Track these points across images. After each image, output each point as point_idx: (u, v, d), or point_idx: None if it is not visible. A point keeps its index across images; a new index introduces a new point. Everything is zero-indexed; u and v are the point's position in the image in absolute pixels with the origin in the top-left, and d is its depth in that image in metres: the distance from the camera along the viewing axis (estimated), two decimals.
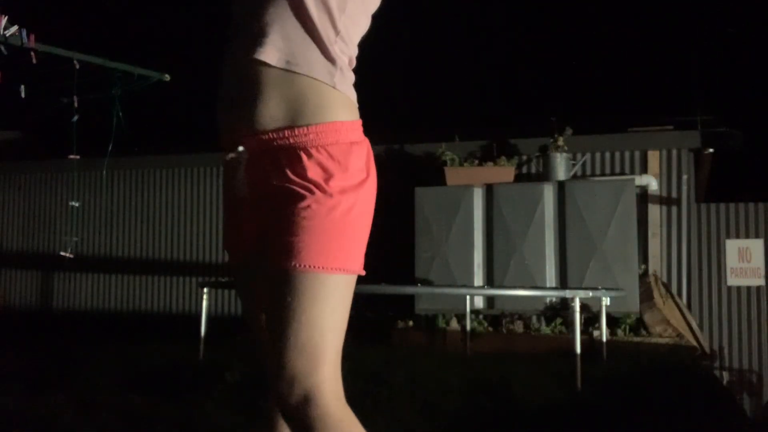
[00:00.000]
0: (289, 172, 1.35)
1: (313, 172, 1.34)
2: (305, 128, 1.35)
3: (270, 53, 1.35)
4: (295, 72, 1.36)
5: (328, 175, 1.34)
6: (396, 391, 3.57)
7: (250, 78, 1.38)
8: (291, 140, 1.36)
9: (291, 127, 1.35)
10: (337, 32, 1.38)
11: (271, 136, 1.37)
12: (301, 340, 1.29)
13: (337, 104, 1.38)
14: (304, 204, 1.33)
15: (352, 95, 1.43)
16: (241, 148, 1.41)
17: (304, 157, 1.35)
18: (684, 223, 6.43)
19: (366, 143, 1.42)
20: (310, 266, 1.31)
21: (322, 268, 1.32)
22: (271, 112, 1.37)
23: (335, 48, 1.38)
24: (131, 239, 8.23)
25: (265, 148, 1.38)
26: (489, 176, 6.13)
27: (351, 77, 1.43)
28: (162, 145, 8.43)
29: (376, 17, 1.53)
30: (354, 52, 1.44)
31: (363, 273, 1.40)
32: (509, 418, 3.20)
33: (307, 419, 1.28)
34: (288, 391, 1.28)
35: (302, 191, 1.34)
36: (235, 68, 1.42)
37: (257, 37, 1.36)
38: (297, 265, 1.31)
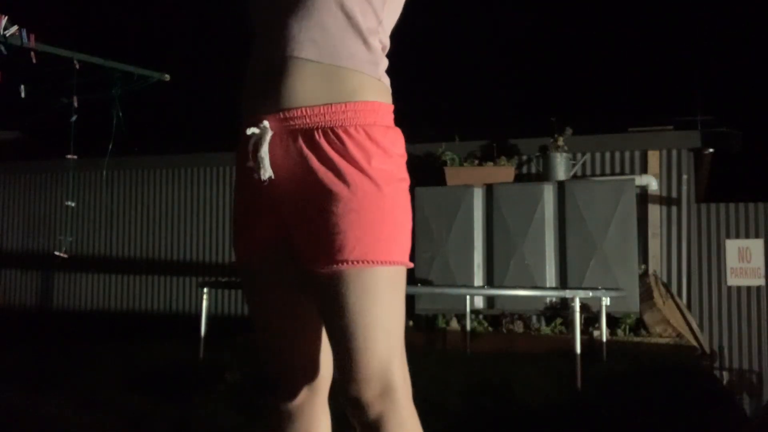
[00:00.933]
0: (327, 153, 1.24)
1: (354, 153, 1.24)
2: (343, 105, 1.25)
3: (310, 49, 1.27)
4: (337, 65, 1.27)
5: (369, 157, 1.25)
6: None
7: (286, 71, 1.27)
8: (327, 117, 1.26)
9: (327, 104, 1.25)
10: (379, 22, 1.32)
11: (303, 112, 1.25)
12: (371, 340, 1.23)
13: (375, 87, 1.31)
14: (348, 192, 1.22)
15: (388, 81, 1.36)
16: (265, 123, 1.27)
17: (344, 136, 1.25)
18: (684, 223, 6.43)
19: (400, 131, 1.35)
20: (367, 261, 1.22)
21: (381, 262, 1.23)
22: (305, 88, 1.26)
23: (376, 38, 1.32)
24: (131, 239, 8.23)
25: (296, 127, 1.26)
26: (489, 176, 6.13)
27: (386, 63, 1.36)
28: (162, 145, 8.44)
29: None
30: (388, 39, 1.38)
31: (411, 265, 1.33)
32: (509, 418, 3.20)
33: (382, 417, 1.25)
34: (362, 392, 1.25)
35: (344, 177, 1.23)
36: (268, 64, 1.31)
37: (295, 33, 1.27)
38: (353, 262, 1.22)
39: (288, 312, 1.40)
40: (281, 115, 1.27)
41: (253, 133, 1.28)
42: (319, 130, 1.25)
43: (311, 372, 1.43)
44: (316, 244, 1.25)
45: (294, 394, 1.43)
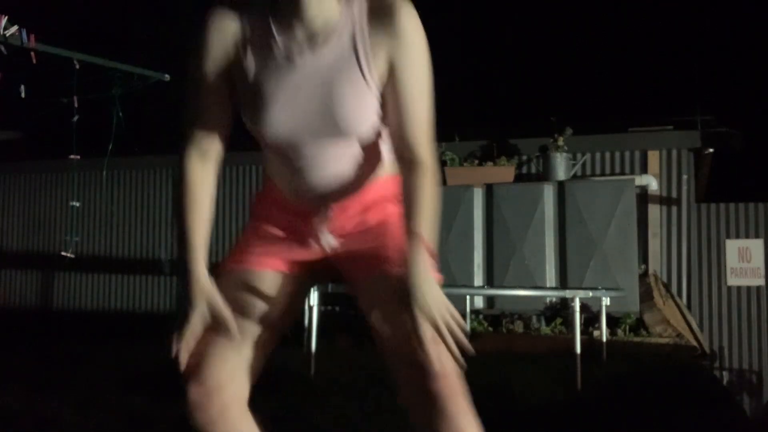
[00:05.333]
0: (366, 218, 1.60)
1: (383, 212, 1.62)
2: (371, 186, 1.60)
3: (342, 190, 1.55)
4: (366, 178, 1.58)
5: (395, 212, 1.61)
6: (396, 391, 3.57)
7: (326, 200, 1.57)
8: (365, 195, 1.60)
9: (364, 187, 1.59)
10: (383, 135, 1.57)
11: (344, 202, 1.58)
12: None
13: (388, 163, 1.62)
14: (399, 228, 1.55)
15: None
16: (328, 213, 1.57)
17: (372, 204, 1.61)
18: (684, 223, 6.43)
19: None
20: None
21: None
22: (345, 193, 1.57)
23: (386, 144, 1.58)
24: (131, 239, 8.24)
25: (354, 204, 1.59)
26: (489, 176, 6.13)
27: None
28: (162, 145, 8.43)
29: None
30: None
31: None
32: (509, 418, 3.20)
33: (443, 392, 1.41)
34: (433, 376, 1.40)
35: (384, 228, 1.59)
36: (304, 192, 1.56)
37: (326, 185, 1.53)
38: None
39: (264, 319, 1.53)
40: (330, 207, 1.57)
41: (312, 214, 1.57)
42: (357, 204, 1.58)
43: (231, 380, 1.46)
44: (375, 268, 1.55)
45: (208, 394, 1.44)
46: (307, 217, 1.57)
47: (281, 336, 1.60)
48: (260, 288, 1.56)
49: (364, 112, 1.44)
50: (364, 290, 1.55)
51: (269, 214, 1.64)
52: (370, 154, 1.54)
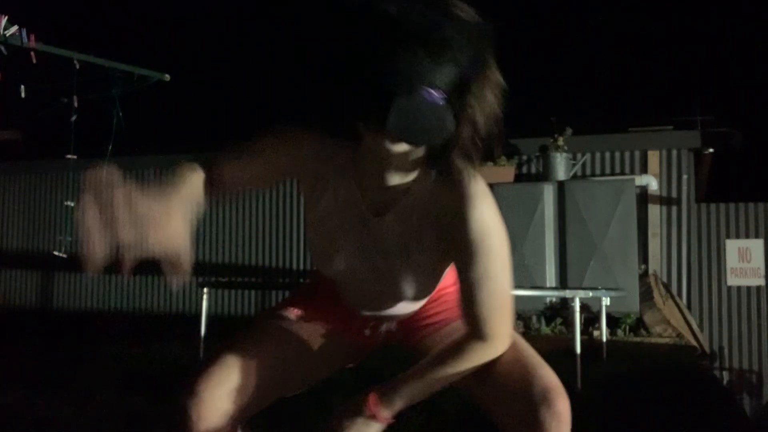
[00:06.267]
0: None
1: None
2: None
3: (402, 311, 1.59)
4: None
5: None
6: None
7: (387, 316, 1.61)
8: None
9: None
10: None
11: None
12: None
13: None
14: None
15: None
16: (392, 326, 1.64)
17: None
18: (684, 223, 6.43)
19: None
20: None
21: None
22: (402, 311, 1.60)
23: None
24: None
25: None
26: (489, 176, 6.12)
27: None
28: (162, 145, 8.43)
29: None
30: None
31: None
32: None
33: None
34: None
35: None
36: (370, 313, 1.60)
37: (394, 308, 1.56)
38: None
39: (299, 365, 1.56)
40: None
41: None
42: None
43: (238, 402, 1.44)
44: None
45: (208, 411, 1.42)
46: (366, 322, 1.63)
47: (305, 386, 1.62)
48: (305, 337, 1.57)
49: (424, 283, 1.47)
50: (433, 346, 1.55)
51: (323, 301, 1.65)
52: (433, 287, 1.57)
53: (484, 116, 1.25)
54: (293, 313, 1.59)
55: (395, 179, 1.34)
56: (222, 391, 1.41)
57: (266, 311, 1.63)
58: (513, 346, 1.44)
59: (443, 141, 1.24)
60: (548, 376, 1.36)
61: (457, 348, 1.38)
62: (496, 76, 1.26)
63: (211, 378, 1.42)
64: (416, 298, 1.51)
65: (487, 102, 1.25)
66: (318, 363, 1.59)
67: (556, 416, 1.30)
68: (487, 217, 1.33)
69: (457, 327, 1.47)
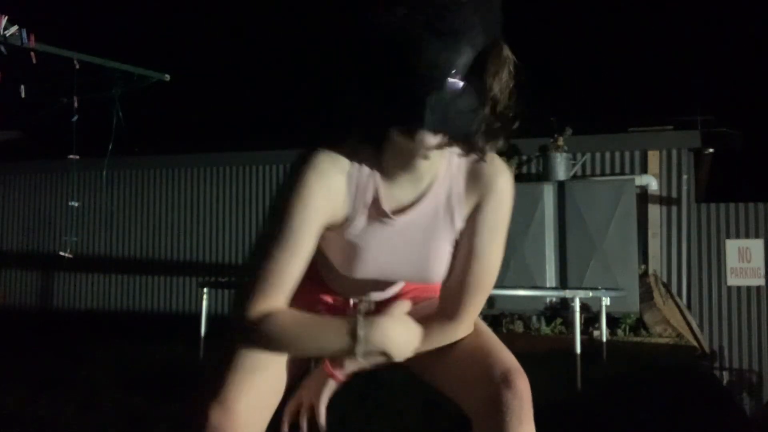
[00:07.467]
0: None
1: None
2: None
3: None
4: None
5: None
6: (396, 392, 3.58)
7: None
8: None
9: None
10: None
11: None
12: None
13: None
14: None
15: None
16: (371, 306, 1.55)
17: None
18: (684, 223, 6.43)
19: None
20: None
21: None
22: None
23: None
24: (131, 239, 8.24)
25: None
26: None
27: None
28: (162, 145, 8.44)
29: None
30: None
31: None
32: None
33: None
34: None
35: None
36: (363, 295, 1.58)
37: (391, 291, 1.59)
38: None
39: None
40: None
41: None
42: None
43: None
44: None
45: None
46: (347, 305, 1.64)
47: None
48: None
49: (448, 264, 1.49)
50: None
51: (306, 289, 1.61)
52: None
53: (505, 94, 1.29)
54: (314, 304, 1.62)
55: (425, 171, 1.37)
56: (250, 400, 1.40)
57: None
58: (475, 331, 1.48)
59: (470, 124, 1.26)
60: (508, 359, 1.41)
61: (422, 324, 1.40)
62: (507, 51, 1.29)
63: (238, 387, 1.40)
64: (424, 282, 1.54)
65: (504, 79, 1.28)
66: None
67: (517, 395, 1.35)
68: (508, 193, 1.49)
69: (426, 306, 1.51)
